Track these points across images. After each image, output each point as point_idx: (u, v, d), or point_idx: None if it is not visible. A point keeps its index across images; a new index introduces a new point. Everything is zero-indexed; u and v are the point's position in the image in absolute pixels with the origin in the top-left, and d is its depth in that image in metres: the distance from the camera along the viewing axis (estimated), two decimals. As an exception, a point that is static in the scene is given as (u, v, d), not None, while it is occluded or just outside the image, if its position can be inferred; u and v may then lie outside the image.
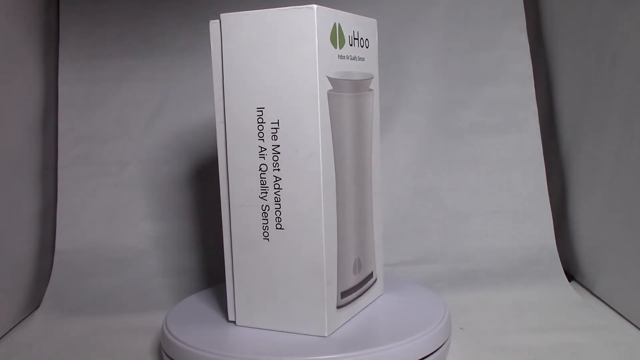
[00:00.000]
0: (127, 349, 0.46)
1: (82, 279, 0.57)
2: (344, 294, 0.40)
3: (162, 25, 0.61)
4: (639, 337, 0.45)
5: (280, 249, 0.39)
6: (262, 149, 0.38)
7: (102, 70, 0.61)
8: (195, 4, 0.61)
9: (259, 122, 0.38)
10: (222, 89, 0.39)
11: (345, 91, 0.39)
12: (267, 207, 0.39)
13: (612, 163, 0.51)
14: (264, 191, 0.38)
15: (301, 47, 0.36)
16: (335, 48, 0.38)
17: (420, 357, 0.38)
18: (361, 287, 0.43)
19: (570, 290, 0.54)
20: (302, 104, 0.37)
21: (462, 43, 0.62)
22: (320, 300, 0.38)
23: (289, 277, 0.39)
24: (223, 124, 0.39)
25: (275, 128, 0.38)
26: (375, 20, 0.44)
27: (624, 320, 0.48)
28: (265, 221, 0.39)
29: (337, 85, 0.38)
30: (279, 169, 0.38)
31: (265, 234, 0.39)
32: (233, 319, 0.42)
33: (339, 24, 0.38)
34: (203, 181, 0.61)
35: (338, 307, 0.40)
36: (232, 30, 0.38)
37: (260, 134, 0.38)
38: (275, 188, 0.38)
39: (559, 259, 0.58)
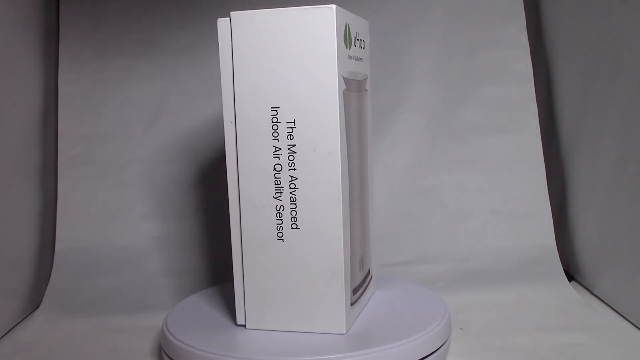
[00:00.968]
0: (127, 349, 0.46)
1: (82, 279, 0.57)
2: (354, 291, 0.41)
3: (162, 26, 0.61)
4: (639, 337, 0.45)
5: (296, 248, 0.39)
6: (277, 149, 0.38)
7: (102, 70, 0.61)
8: (195, 4, 0.61)
9: (273, 122, 0.38)
10: (232, 88, 0.38)
11: (353, 91, 0.40)
12: (281, 207, 0.38)
13: (612, 163, 0.51)
14: (279, 191, 0.38)
15: (320, 47, 0.36)
16: (347, 48, 0.38)
17: (420, 357, 0.38)
18: (364, 283, 0.43)
19: (570, 290, 0.54)
20: (320, 103, 0.37)
21: (462, 43, 0.62)
22: (339, 298, 0.38)
23: (305, 276, 0.39)
24: (233, 124, 0.38)
25: (292, 127, 0.37)
26: (367, 21, 0.44)
27: (624, 320, 0.48)
28: (280, 221, 0.38)
29: (348, 85, 0.39)
30: (295, 169, 0.38)
31: (280, 234, 0.39)
32: (242, 323, 0.41)
33: (348, 24, 0.38)
34: (203, 181, 0.61)
35: (351, 304, 0.40)
36: (244, 29, 0.37)
37: (275, 134, 0.38)
38: (290, 188, 0.38)
39: (559, 259, 0.58)
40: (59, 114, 0.61)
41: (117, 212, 0.60)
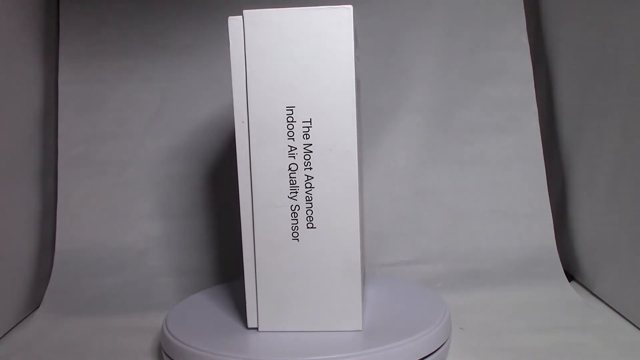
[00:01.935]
0: (127, 349, 0.46)
1: (82, 279, 0.57)
2: None
3: (162, 26, 0.61)
4: (639, 337, 0.45)
5: (312, 248, 0.39)
6: (292, 148, 0.38)
7: (102, 70, 0.61)
8: (195, 4, 0.61)
9: (288, 121, 0.38)
10: (245, 88, 0.38)
11: (357, 90, 0.40)
12: (297, 206, 0.38)
13: (612, 163, 0.51)
14: (294, 191, 0.38)
15: (337, 46, 0.37)
16: (355, 48, 0.39)
17: (420, 357, 0.38)
18: (364, 281, 0.43)
19: (570, 290, 0.54)
20: (337, 102, 0.37)
21: (462, 43, 0.62)
22: (356, 295, 0.39)
23: (321, 275, 0.39)
24: (245, 124, 0.38)
25: (308, 127, 0.38)
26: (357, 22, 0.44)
27: (624, 320, 0.48)
28: (295, 221, 0.38)
29: (357, 84, 0.39)
30: (310, 168, 0.38)
31: (295, 234, 0.39)
32: (254, 326, 0.40)
33: (355, 24, 0.39)
34: (203, 181, 0.61)
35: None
36: (258, 28, 0.37)
37: (290, 133, 0.38)
38: (306, 187, 0.38)
39: (559, 259, 0.58)
40: (59, 114, 0.61)
41: (117, 212, 0.60)
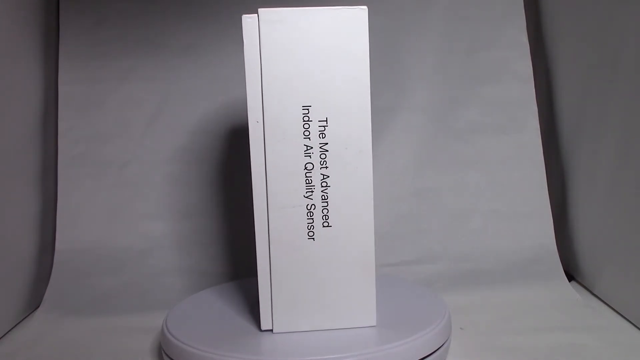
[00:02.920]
0: (127, 349, 0.46)
1: (82, 279, 0.57)
2: None
3: (162, 25, 0.61)
4: (639, 337, 0.45)
5: (327, 246, 0.39)
6: (308, 148, 0.38)
7: (102, 70, 0.61)
8: (195, 4, 0.61)
9: (304, 121, 0.38)
10: (260, 87, 0.38)
11: None
12: (312, 206, 0.38)
13: (612, 163, 0.51)
14: (310, 190, 0.38)
15: (353, 46, 0.37)
16: None
17: (420, 357, 0.38)
18: None
19: (570, 290, 0.54)
20: (353, 101, 0.37)
21: (462, 43, 0.62)
22: (370, 292, 0.39)
23: (336, 273, 0.39)
24: (260, 124, 0.38)
25: (324, 126, 0.38)
26: None
27: (624, 320, 0.48)
28: (311, 220, 0.39)
29: None
30: (326, 167, 0.38)
31: (311, 234, 0.39)
32: (268, 328, 0.40)
33: None
34: (203, 181, 0.61)
35: None
36: (273, 27, 0.37)
37: (306, 133, 0.38)
38: (322, 186, 0.38)
39: (559, 259, 0.58)
40: (59, 114, 0.61)
41: (117, 212, 0.60)
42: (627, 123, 0.48)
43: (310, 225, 0.39)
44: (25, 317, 0.54)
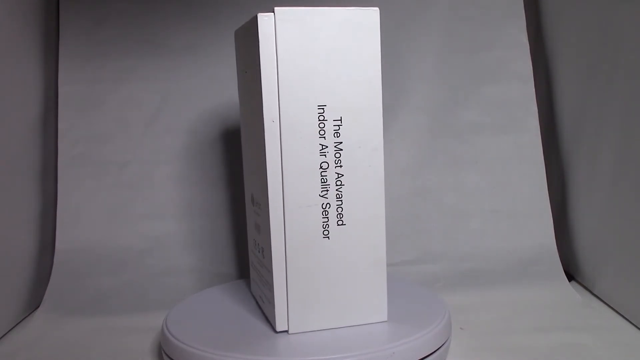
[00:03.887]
0: (127, 349, 0.46)
1: (82, 279, 0.57)
2: None
3: (162, 25, 0.61)
4: (639, 337, 0.45)
5: (342, 244, 0.39)
6: (324, 147, 0.38)
7: (102, 70, 0.61)
8: (195, 4, 0.61)
9: (320, 120, 0.38)
10: (276, 86, 0.37)
11: None
12: (327, 204, 0.39)
13: (612, 163, 0.51)
14: (325, 189, 0.38)
15: (366, 46, 0.38)
16: None
17: (420, 357, 0.38)
18: None
19: (570, 290, 0.54)
20: (366, 101, 0.38)
21: (462, 43, 0.62)
22: (382, 287, 0.40)
23: (350, 270, 0.39)
24: (276, 123, 0.38)
25: (338, 125, 0.38)
26: None
27: (624, 320, 0.48)
28: (326, 219, 0.39)
29: None
30: (341, 166, 0.38)
31: (326, 232, 0.39)
32: (284, 329, 0.40)
33: None
34: (203, 181, 0.61)
35: None
36: (290, 26, 0.37)
37: (322, 132, 0.38)
38: (337, 185, 0.38)
39: (559, 259, 0.58)
40: (59, 114, 0.61)
41: (117, 212, 0.60)
42: (627, 123, 0.48)
43: (325, 224, 0.39)
44: (25, 317, 0.54)
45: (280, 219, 0.38)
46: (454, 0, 0.62)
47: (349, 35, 0.38)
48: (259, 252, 0.42)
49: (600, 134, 0.53)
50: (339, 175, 0.38)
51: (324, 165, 0.38)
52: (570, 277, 0.59)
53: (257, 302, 0.45)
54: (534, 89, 0.61)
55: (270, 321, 0.41)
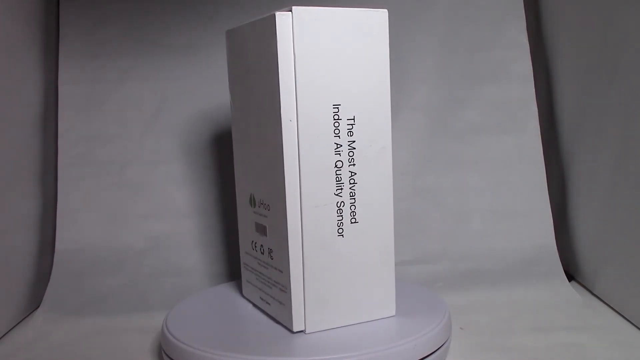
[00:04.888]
0: (127, 349, 0.46)
1: (82, 279, 0.57)
2: None
3: (162, 25, 0.61)
4: (639, 337, 0.45)
5: (355, 242, 0.40)
6: (338, 146, 0.38)
7: (102, 70, 0.61)
8: (195, 4, 0.61)
9: (334, 119, 0.38)
10: (294, 85, 0.37)
11: None
12: (342, 203, 0.39)
13: (612, 163, 0.51)
14: (340, 187, 0.39)
15: (375, 46, 0.39)
16: None
17: (420, 357, 0.38)
18: None
19: (570, 290, 0.54)
20: (376, 100, 0.39)
21: (462, 43, 0.62)
22: (391, 283, 0.41)
23: (362, 268, 0.40)
24: (294, 122, 0.38)
25: (351, 124, 0.39)
26: None
27: (624, 320, 0.48)
28: (340, 217, 0.39)
29: None
30: (354, 164, 0.39)
31: (340, 230, 0.39)
32: (301, 329, 0.40)
33: None
34: (203, 181, 0.61)
35: None
36: (307, 25, 0.37)
37: (336, 131, 0.38)
38: (350, 183, 0.39)
39: (559, 259, 0.58)
40: (59, 114, 0.61)
41: (117, 212, 0.60)
42: (627, 123, 0.48)
43: (339, 222, 0.39)
44: (25, 317, 0.54)
45: (298, 219, 0.38)
46: (454, 0, 0.62)
47: (360, 35, 0.38)
48: (261, 253, 0.42)
49: (600, 134, 0.53)
50: (352, 174, 0.39)
51: (339, 164, 0.39)
52: (570, 277, 0.59)
53: (253, 305, 0.45)
54: (534, 89, 0.61)
55: (281, 322, 0.41)
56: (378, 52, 0.39)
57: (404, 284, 0.49)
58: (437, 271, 0.58)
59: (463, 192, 0.61)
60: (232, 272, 0.60)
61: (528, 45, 0.61)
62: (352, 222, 0.39)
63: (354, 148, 0.39)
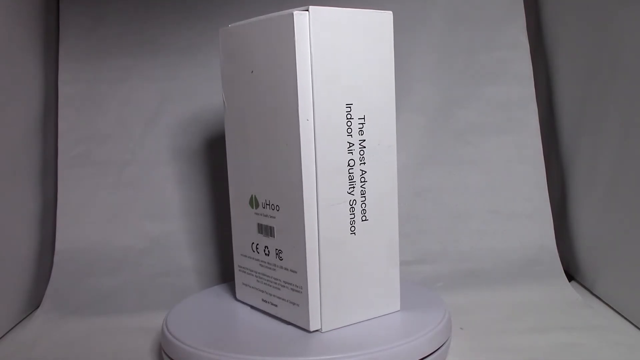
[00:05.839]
0: (127, 349, 0.46)
1: (82, 279, 0.57)
2: None
3: (162, 25, 0.61)
4: (639, 337, 0.45)
5: (366, 239, 0.40)
6: (351, 145, 0.39)
7: (102, 70, 0.61)
8: (195, 4, 0.61)
9: (347, 118, 0.39)
10: (310, 85, 0.37)
11: None
12: (354, 201, 0.39)
13: (612, 163, 0.51)
14: (352, 186, 0.39)
15: (382, 47, 0.40)
16: None
17: (420, 357, 0.38)
18: None
19: (570, 290, 0.54)
20: (384, 99, 0.40)
21: (462, 43, 0.62)
22: (396, 278, 0.42)
23: (372, 265, 0.41)
24: (310, 122, 0.38)
25: (362, 123, 0.39)
26: None
27: (624, 320, 0.48)
28: (352, 215, 0.39)
29: None
30: (364, 163, 0.40)
31: (352, 229, 0.40)
32: (317, 328, 0.40)
33: None
34: (203, 181, 0.61)
35: None
36: (323, 25, 0.37)
37: (349, 130, 0.39)
38: (361, 181, 0.40)
39: (559, 259, 0.58)
40: (59, 114, 0.61)
41: (117, 212, 0.60)
42: (627, 123, 0.48)
43: (352, 220, 0.40)
44: (25, 317, 0.54)
45: (314, 219, 0.38)
46: (454, 0, 0.62)
47: (368, 36, 0.39)
48: (265, 254, 0.42)
49: (600, 134, 0.53)
50: (363, 172, 0.40)
51: (351, 163, 0.39)
52: (570, 277, 0.59)
53: (251, 307, 0.45)
54: (534, 89, 0.61)
55: (292, 322, 0.41)
56: (384, 52, 0.40)
57: (404, 283, 0.49)
58: (437, 271, 0.58)
59: (463, 192, 0.61)
60: (232, 272, 0.60)
61: (528, 45, 0.61)
62: (362, 220, 0.40)
63: (365, 147, 0.39)
